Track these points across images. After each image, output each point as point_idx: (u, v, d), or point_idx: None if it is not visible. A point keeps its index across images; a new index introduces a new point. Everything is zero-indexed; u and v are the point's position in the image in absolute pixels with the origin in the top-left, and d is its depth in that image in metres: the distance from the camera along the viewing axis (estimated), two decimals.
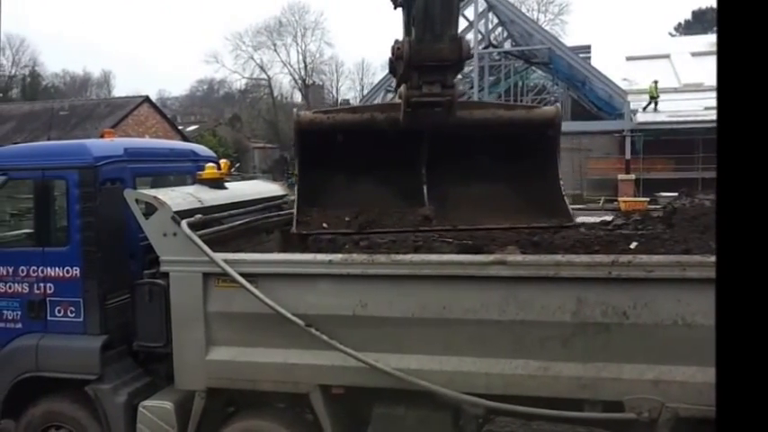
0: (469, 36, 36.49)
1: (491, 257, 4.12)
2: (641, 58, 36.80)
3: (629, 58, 36.89)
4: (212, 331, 4.56)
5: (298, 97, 71.43)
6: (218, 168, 5.98)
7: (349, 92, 71.45)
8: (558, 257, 4.04)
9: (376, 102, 41.86)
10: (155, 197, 4.69)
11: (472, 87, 35.21)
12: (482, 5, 34.30)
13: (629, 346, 3.88)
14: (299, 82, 69.45)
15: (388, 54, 4.85)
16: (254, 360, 4.48)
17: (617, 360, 3.91)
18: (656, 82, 30.93)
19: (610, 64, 32.68)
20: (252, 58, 65.83)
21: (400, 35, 4.95)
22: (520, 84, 42.62)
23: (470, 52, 4.81)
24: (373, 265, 4.22)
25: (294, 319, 4.21)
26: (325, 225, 5.14)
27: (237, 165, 43.33)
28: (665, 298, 3.80)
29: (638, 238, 4.69)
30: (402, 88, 4.97)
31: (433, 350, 4.17)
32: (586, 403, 3.99)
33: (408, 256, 4.25)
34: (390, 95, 41.56)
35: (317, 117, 5.46)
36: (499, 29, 39.76)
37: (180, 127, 48.07)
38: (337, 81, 71.69)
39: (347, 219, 5.15)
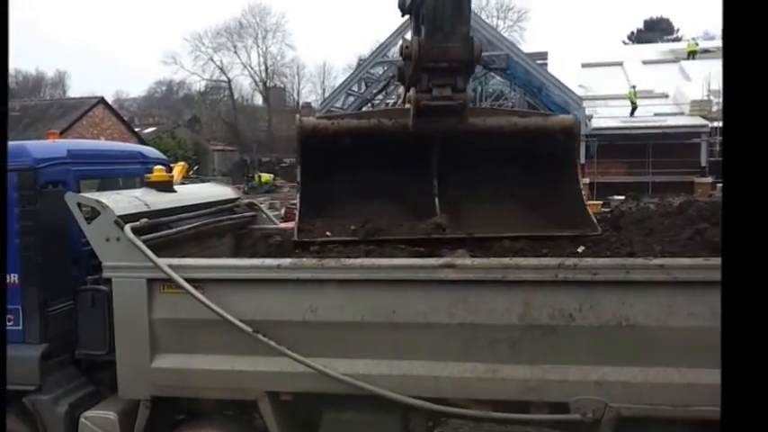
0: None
1: (440, 261, 4.13)
2: (596, 65, 37.83)
3: (584, 65, 37.85)
4: (157, 338, 4.46)
5: (258, 99, 70.94)
6: (168, 171, 5.86)
7: (310, 95, 71.27)
8: (506, 260, 4.07)
9: (337, 104, 41.85)
10: (97, 200, 4.56)
11: None
12: None
13: (575, 347, 3.93)
14: (260, 84, 68.96)
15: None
16: (200, 367, 4.40)
17: (563, 362, 3.96)
18: (633, 87, 31.91)
19: (566, 70, 33.37)
20: (212, 59, 65.16)
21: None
22: (479, 89, 43.09)
23: (481, 54, 4.64)
24: (323, 270, 4.18)
25: (241, 325, 4.15)
26: (328, 233, 4.91)
27: (196, 167, 42.83)
28: (610, 300, 3.87)
29: (585, 241, 4.78)
30: (411, 92, 4.80)
31: (383, 354, 4.16)
32: (533, 405, 4.03)
33: (359, 261, 4.22)
34: (351, 99, 41.57)
35: (320, 123, 5.25)
36: None
37: (137, 129, 47.16)
38: (298, 84, 71.49)
39: (353, 227, 4.90)
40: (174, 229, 4.96)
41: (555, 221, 5.11)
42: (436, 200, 5.33)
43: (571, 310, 3.90)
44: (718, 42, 43.80)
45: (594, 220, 5.04)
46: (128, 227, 4.38)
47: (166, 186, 5.53)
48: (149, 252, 4.29)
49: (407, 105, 4.97)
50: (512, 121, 5.27)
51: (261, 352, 4.21)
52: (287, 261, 4.30)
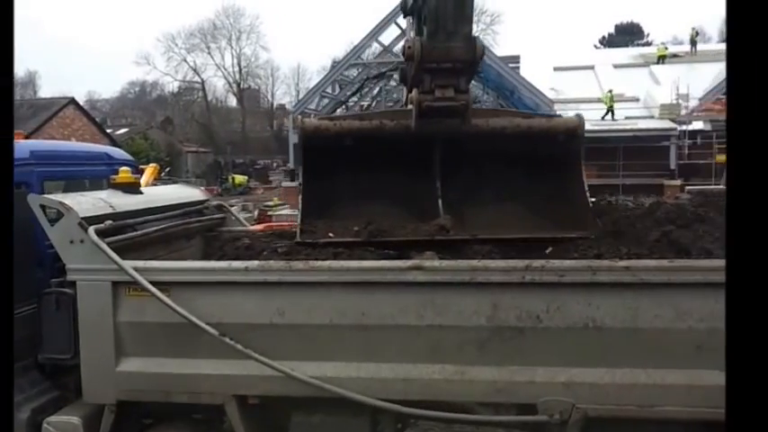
0: (401, 44, 36.80)
1: (408, 263, 4.13)
2: (567, 68, 38.37)
3: (556, 69, 38.34)
4: (123, 342, 4.39)
5: (232, 101, 70.58)
6: (135, 172, 5.77)
7: (284, 96, 71.13)
8: (474, 262, 4.08)
9: (311, 106, 41.59)
10: (60, 202, 4.47)
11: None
12: None
13: (543, 349, 3.95)
14: (234, 86, 68.59)
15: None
16: (166, 371, 4.34)
17: (531, 363, 3.98)
18: (610, 91, 32.37)
19: (538, 74, 33.78)
20: (185, 60, 64.69)
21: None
22: None
23: (483, 54, 4.65)
24: (291, 272, 4.15)
25: (207, 328, 4.10)
26: (330, 234, 4.87)
27: (168, 169, 42.39)
28: (577, 302, 3.89)
29: (554, 243, 4.81)
30: (413, 93, 4.78)
31: (351, 357, 4.14)
32: (501, 407, 4.05)
33: (327, 263, 4.21)
34: (326, 101, 41.44)
35: (322, 124, 5.21)
36: None
37: (109, 130, 46.56)
38: (273, 85, 71.32)
39: (356, 228, 4.86)
40: (139, 231, 4.89)
41: (559, 223, 5.10)
42: (439, 201, 5.27)
43: (538, 311, 3.91)
44: (687, 47, 44.93)
45: (599, 222, 5.00)
46: (92, 229, 4.30)
47: (132, 188, 5.44)
48: (113, 254, 4.22)
49: (410, 106, 4.96)
50: (515, 122, 5.26)
51: (228, 355, 4.17)
52: (254, 263, 4.26)
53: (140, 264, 4.30)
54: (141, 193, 5.56)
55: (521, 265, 3.95)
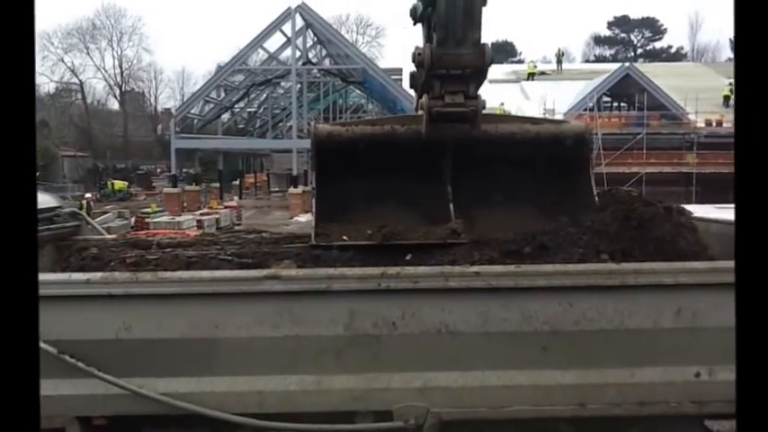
0: (287, 53, 36.68)
1: (264, 272, 4.03)
2: None
3: None
4: None
5: (114, 104, 67.41)
6: None
7: (169, 100, 68.82)
8: (331, 270, 4.05)
9: (194, 111, 40.29)
10: None
11: (291, 103, 35.46)
12: (300, 23, 34.60)
13: (398, 355, 3.97)
14: (115, 88, 65.54)
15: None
16: None
17: (387, 370, 3.99)
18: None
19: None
20: (62, 60, 61.04)
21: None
22: (339, 102, 43.76)
23: (492, 60, 4.70)
24: (138, 284, 3.92)
25: (44, 345, 3.78)
26: (344, 237, 4.82)
27: (37, 174, 39.57)
28: (431, 307, 3.94)
29: (413, 250, 4.89)
30: (424, 99, 4.83)
31: (204, 371, 3.97)
32: (358, 415, 4.03)
33: (177, 274, 4.03)
34: (210, 106, 40.33)
35: (334, 129, 5.20)
36: (318, 46, 40.43)
37: None
38: (156, 89, 68.77)
39: (369, 231, 4.84)
40: None
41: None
42: (450, 206, 5.32)
43: (394, 318, 3.93)
44: (554, 66, 48.45)
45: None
46: None
47: None
48: None
49: (420, 112, 5.03)
50: (524, 127, 5.37)
51: (68, 374, 3.87)
52: (97, 275, 3.99)
53: None
54: None
55: (376, 273, 3.96)
